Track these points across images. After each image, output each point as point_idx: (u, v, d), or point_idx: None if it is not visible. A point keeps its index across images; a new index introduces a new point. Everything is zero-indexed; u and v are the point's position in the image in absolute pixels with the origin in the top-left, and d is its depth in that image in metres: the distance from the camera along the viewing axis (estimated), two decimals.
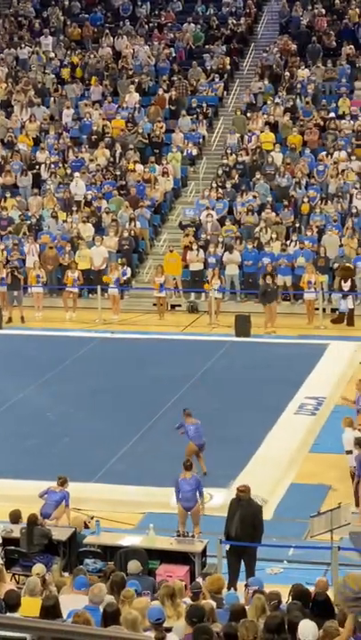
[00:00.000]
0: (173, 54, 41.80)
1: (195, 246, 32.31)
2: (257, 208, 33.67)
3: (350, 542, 17.26)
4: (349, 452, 18.83)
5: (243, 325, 28.65)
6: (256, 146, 36.33)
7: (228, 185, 34.95)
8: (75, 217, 34.22)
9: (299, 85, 38.69)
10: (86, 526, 16.74)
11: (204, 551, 15.95)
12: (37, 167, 36.99)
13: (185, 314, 31.82)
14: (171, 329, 30.12)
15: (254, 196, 34.06)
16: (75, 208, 34.56)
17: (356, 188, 33.71)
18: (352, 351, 27.25)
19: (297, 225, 33.12)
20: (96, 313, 30.94)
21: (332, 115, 37.06)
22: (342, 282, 30.13)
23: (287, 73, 39.40)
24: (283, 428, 22.39)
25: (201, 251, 32.27)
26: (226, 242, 32.53)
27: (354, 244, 31.51)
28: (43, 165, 36.92)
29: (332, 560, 15.61)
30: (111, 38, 42.67)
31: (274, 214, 33.27)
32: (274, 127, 37.08)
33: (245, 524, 15.90)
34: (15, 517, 16.57)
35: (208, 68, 40.65)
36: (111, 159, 37.05)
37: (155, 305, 31.69)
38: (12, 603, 11.14)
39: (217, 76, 40.15)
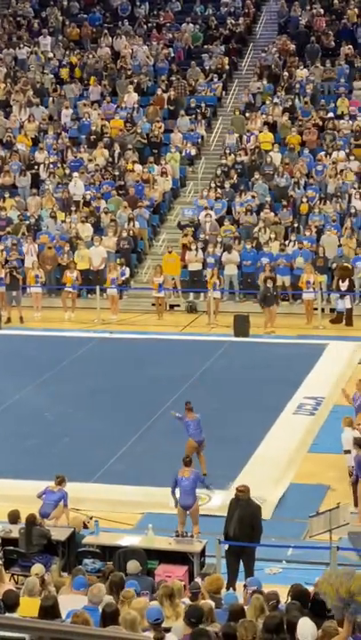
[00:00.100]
0: (172, 54, 41.81)
1: (193, 246, 32.31)
2: (256, 208, 33.68)
3: (349, 542, 17.27)
4: (348, 452, 18.83)
5: (242, 325, 28.65)
6: (255, 146, 36.34)
7: (227, 185, 34.95)
8: (73, 217, 34.21)
9: (297, 85, 38.71)
10: (85, 526, 16.73)
11: (203, 551, 15.95)
12: (36, 167, 36.99)
13: (184, 314, 31.82)
14: (169, 329, 30.12)
15: (253, 196, 34.06)
16: (73, 208, 34.57)
17: (354, 188, 33.73)
18: (351, 351, 27.26)
19: (296, 225, 33.14)
20: (95, 313, 30.95)
21: (330, 115, 37.07)
22: (340, 281, 30.14)
23: (286, 73, 39.41)
24: (282, 428, 22.39)
25: (200, 251, 32.27)
26: (225, 242, 32.53)
27: (353, 244, 31.52)
28: (41, 165, 36.92)
29: (331, 560, 15.60)
30: (110, 38, 42.67)
31: (273, 214, 33.28)
32: (273, 127, 37.10)
33: (244, 524, 15.90)
34: (14, 517, 16.57)
35: (207, 68, 40.66)
36: (110, 159, 37.05)
37: (153, 305, 31.70)
38: (10, 603, 11.14)
39: (216, 76, 40.16)
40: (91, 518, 17.06)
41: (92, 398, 24.33)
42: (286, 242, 32.20)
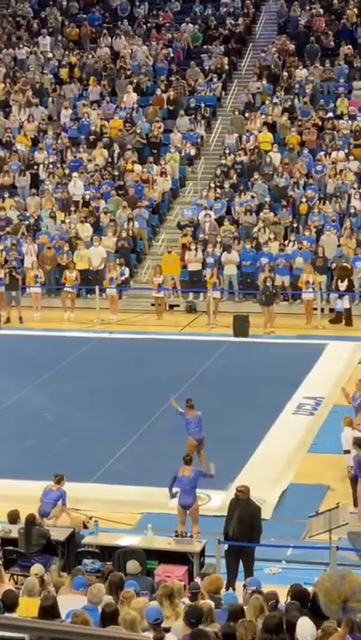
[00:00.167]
0: (171, 54, 41.81)
1: (193, 246, 32.31)
2: (255, 208, 33.68)
3: (349, 542, 17.26)
4: (347, 452, 18.83)
5: (241, 325, 28.66)
6: (254, 146, 36.34)
7: (227, 185, 34.95)
8: (73, 217, 34.22)
9: (297, 85, 38.72)
10: (85, 526, 16.73)
11: (203, 551, 15.94)
12: (35, 167, 36.99)
13: (183, 314, 31.82)
14: (169, 329, 30.12)
15: (252, 196, 34.07)
16: (73, 208, 34.56)
17: (354, 188, 33.74)
18: (351, 351, 27.26)
19: (295, 225, 33.13)
20: (94, 313, 30.94)
21: (330, 115, 37.08)
22: (339, 281, 30.15)
23: (285, 73, 39.41)
24: (281, 428, 22.39)
25: (199, 251, 32.27)
26: (224, 242, 32.53)
27: (352, 244, 31.51)
28: (41, 165, 36.92)
29: (330, 560, 15.60)
30: (109, 38, 42.67)
31: (272, 214, 33.29)
32: (272, 127, 37.11)
33: (243, 524, 15.90)
34: (13, 518, 16.57)
35: (206, 68, 40.66)
36: (109, 159, 37.06)
37: (153, 305, 31.70)
38: (9, 603, 11.13)
39: (215, 76, 40.17)
40: (90, 518, 17.06)
41: (92, 398, 24.34)
42: (286, 242, 32.20)
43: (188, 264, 32.29)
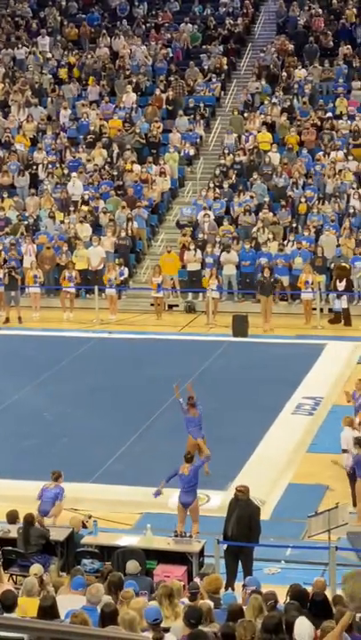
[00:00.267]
0: (171, 54, 41.82)
1: (192, 246, 32.31)
2: (254, 208, 33.68)
3: (348, 542, 17.26)
4: (345, 452, 18.83)
5: (240, 325, 28.66)
6: (253, 146, 36.34)
7: (226, 185, 34.95)
8: (72, 217, 34.22)
9: (296, 85, 38.73)
10: (84, 526, 16.73)
11: (202, 551, 15.94)
12: (35, 167, 36.99)
13: (182, 314, 31.82)
14: (168, 329, 30.12)
15: (252, 196, 34.07)
16: (72, 208, 34.56)
17: (353, 188, 33.75)
18: (350, 351, 27.27)
19: (294, 225, 33.13)
20: (94, 313, 30.94)
21: (329, 115, 37.08)
22: (338, 281, 30.16)
23: (284, 73, 39.42)
24: (280, 428, 22.39)
25: (198, 251, 32.27)
26: (223, 242, 32.53)
27: (351, 244, 31.52)
28: (40, 165, 36.92)
29: (329, 560, 15.60)
30: (108, 38, 42.68)
31: (271, 214, 33.29)
32: (271, 127, 37.11)
33: (242, 524, 15.89)
34: (12, 518, 16.57)
35: (205, 68, 40.66)
36: (108, 159, 37.06)
37: (152, 305, 31.70)
38: (8, 603, 11.11)
39: (214, 76, 40.18)
40: (90, 517, 17.05)
41: (91, 398, 24.34)
42: (285, 242, 32.21)
43: (188, 264, 32.28)
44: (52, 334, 29.72)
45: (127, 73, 40.78)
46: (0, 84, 41.27)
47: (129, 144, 37.30)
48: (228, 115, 38.63)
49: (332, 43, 40.60)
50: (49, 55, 42.69)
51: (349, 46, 40.25)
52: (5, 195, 35.72)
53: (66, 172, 36.54)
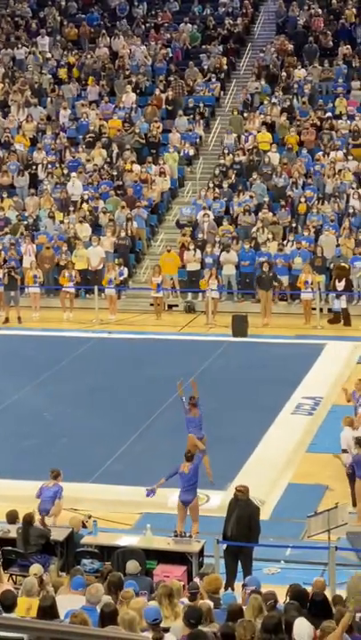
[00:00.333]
0: (170, 54, 41.83)
1: (192, 246, 32.31)
2: (254, 208, 33.69)
3: (348, 542, 17.26)
4: (345, 452, 18.83)
5: (240, 325, 28.66)
6: (253, 146, 36.35)
7: (225, 185, 34.96)
8: (72, 217, 34.22)
9: (295, 85, 38.73)
10: (84, 526, 16.73)
11: (202, 551, 15.94)
12: (34, 167, 36.99)
13: (182, 314, 31.83)
14: (168, 329, 30.12)
15: (251, 196, 34.08)
16: (72, 208, 34.56)
17: (352, 188, 33.75)
18: (349, 351, 27.27)
19: (294, 225, 33.13)
20: (93, 313, 30.95)
21: (328, 115, 37.08)
22: (337, 281, 30.16)
23: (284, 73, 39.42)
24: (280, 428, 22.40)
25: (198, 250, 32.27)
26: (223, 242, 32.53)
27: (351, 244, 31.52)
28: (39, 165, 36.92)
29: (329, 560, 15.60)
30: (108, 38, 42.69)
31: (271, 214, 33.29)
32: (271, 127, 37.12)
33: (241, 524, 15.89)
34: (12, 518, 16.57)
35: (205, 68, 40.67)
36: (108, 159, 37.07)
37: (152, 305, 31.70)
38: (7, 603, 11.11)
39: (214, 76, 40.17)
40: (90, 517, 17.05)
41: (91, 398, 24.35)
42: (285, 242, 32.22)
43: (187, 264, 32.28)
44: (52, 334, 29.73)
45: (127, 73, 40.79)
46: (0, 84, 41.26)
47: (128, 144, 37.30)
48: (228, 115, 38.63)
49: (331, 43, 40.60)
50: (48, 55, 42.69)
51: (349, 46, 40.25)
52: (5, 195, 35.73)
53: (65, 171, 36.55)
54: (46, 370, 26.27)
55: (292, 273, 31.21)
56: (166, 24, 43.55)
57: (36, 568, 13.46)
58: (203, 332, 29.89)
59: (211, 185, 35.12)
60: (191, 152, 37.36)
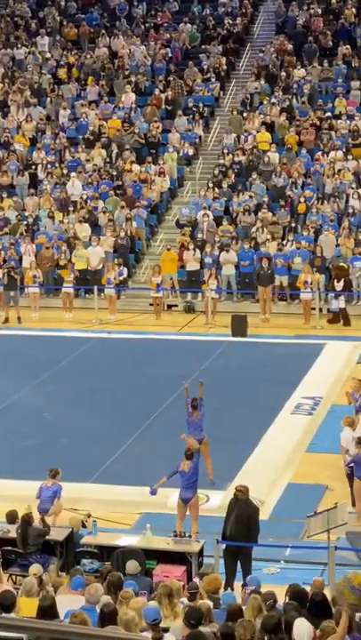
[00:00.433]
0: (170, 54, 41.82)
1: (191, 246, 32.32)
2: (253, 208, 33.69)
3: (347, 542, 17.27)
4: (345, 452, 18.82)
5: (239, 325, 28.67)
6: (252, 146, 36.35)
7: (225, 185, 34.96)
8: (71, 217, 34.23)
9: (295, 85, 38.72)
10: (83, 525, 16.73)
11: (202, 551, 15.95)
12: (34, 167, 37.00)
13: (182, 314, 31.83)
14: (167, 329, 30.13)
15: (251, 196, 34.08)
16: (71, 208, 34.57)
17: (352, 188, 33.75)
18: (349, 351, 27.28)
19: (293, 225, 33.13)
20: (93, 313, 30.95)
21: (328, 114, 37.09)
22: (336, 281, 30.17)
23: (283, 73, 39.42)
24: (280, 428, 22.40)
25: (197, 250, 32.27)
26: (222, 242, 32.53)
27: (350, 244, 31.53)
28: (39, 165, 36.93)
29: (329, 560, 15.61)
30: (107, 38, 42.69)
31: (270, 214, 33.30)
32: (270, 127, 37.12)
33: (240, 524, 15.89)
34: (12, 518, 16.58)
35: (204, 68, 40.66)
36: (107, 159, 37.08)
37: (151, 305, 31.70)
38: (7, 604, 11.10)
39: (213, 75, 40.17)
40: (89, 516, 17.06)
41: (91, 398, 24.35)
42: (284, 242, 32.22)
43: (187, 264, 32.28)
44: (52, 334, 29.74)
45: (126, 73, 40.78)
46: None
47: (128, 144, 37.30)
48: (228, 115, 38.64)
49: (331, 42, 40.59)
50: (48, 55, 42.69)
51: (348, 46, 40.24)
52: (5, 195, 35.73)
53: (65, 171, 36.56)
54: (46, 370, 26.28)
55: (292, 273, 31.21)
56: (166, 24, 43.56)
57: (35, 568, 13.47)
58: (202, 331, 29.90)
59: (210, 185, 35.12)
60: (191, 152, 37.37)
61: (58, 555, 15.82)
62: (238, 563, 15.86)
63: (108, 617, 10.76)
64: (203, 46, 41.85)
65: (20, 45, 42.95)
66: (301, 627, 10.34)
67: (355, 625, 10.10)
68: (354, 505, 18.07)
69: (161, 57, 41.30)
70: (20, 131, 38.74)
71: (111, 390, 24.75)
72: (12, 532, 16.07)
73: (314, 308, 30.22)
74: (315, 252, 31.27)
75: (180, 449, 19.02)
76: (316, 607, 11.51)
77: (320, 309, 30.36)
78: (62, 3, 45.53)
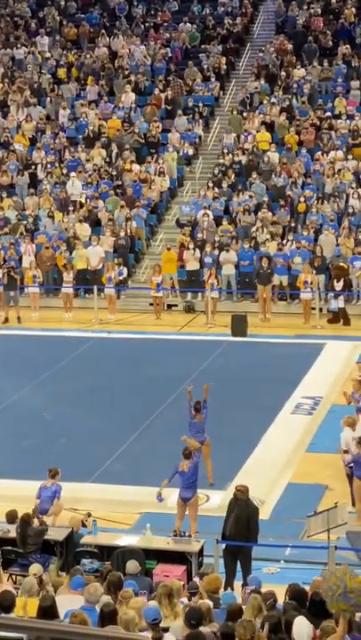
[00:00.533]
0: (169, 54, 41.83)
1: (191, 245, 32.32)
2: (253, 208, 33.69)
3: (347, 542, 17.27)
4: (346, 452, 18.82)
5: (239, 325, 28.67)
6: (252, 145, 36.35)
7: (225, 185, 34.96)
8: (71, 217, 34.23)
9: (295, 85, 38.72)
10: (83, 525, 16.73)
11: (201, 551, 15.95)
12: (34, 167, 37.00)
13: (181, 314, 31.83)
14: (167, 329, 30.12)
15: (251, 196, 34.08)
16: (71, 208, 34.57)
17: (352, 188, 33.76)
18: (349, 351, 27.27)
19: (293, 224, 33.13)
20: (92, 313, 30.95)
21: (328, 114, 37.09)
22: (335, 281, 30.17)
23: (283, 73, 39.42)
24: (280, 428, 22.40)
25: (197, 250, 32.27)
26: (222, 241, 32.53)
27: (350, 244, 31.53)
28: (39, 165, 36.94)
29: (329, 560, 15.61)
30: (107, 38, 42.69)
31: (270, 214, 33.30)
32: (270, 127, 37.12)
33: (240, 524, 15.89)
34: (12, 517, 16.58)
35: (204, 67, 40.66)
36: (107, 159, 37.08)
37: (151, 305, 31.70)
38: (6, 604, 11.10)
39: (213, 75, 40.16)
40: (89, 515, 17.06)
41: (91, 398, 24.35)
42: (284, 241, 32.22)
43: (187, 264, 32.28)
44: (52, 334, 29.73)
45: (126, 73, 40.78)
46: None
47: (128, 144, 37.30)
48: (227, 114, 38.64)
49: (331, 42, 40.60)
50: (48, 55, 42.70)
51: (348, 46, 40.25)
52: (4, 194, 35.73)
53: (65, 171, 36.56)
54: (46, 370, 26.28)
55: (292, 273, 31.21)
56: (165, 24, 43.56)
57: (35, 568, 13.47)
58: (202, 331, 29.89)
59: (210, 185, 35.12)
60: (190, 152, 37.37)
61: (58, 554, 15.82)
62: (238, 562, 15.87)
63: (107, 617, 10.76)
64: (203, 46, 41.86)
65: (19, 45, 42.96)
66: (301, 626, 10.35)
67: (355, 625, 10.10)
68: (354, 505, 18.07)
69: (161, 57, 41.30)
70: (20, 130, 38.75)
71: (111, 390, 24.75)
72: (12, 531, 16.06)
73: (314, 308, 30.22)
74: (315, 252, 31.26)
75: (180, 449, 19.03)
76: (315, 607, 11.51)
77: (320, 309, 30.35)
78: (62, 2, 45.54)
